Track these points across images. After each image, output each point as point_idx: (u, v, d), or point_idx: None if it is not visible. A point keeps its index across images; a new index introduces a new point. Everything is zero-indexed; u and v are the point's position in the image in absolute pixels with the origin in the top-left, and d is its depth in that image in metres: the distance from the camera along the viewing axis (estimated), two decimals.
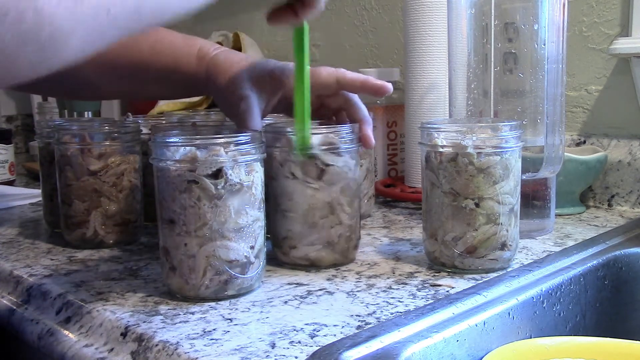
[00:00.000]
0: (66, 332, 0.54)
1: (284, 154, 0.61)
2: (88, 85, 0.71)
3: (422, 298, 0.54)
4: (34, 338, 0.56)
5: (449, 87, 0.78)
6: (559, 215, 0.81)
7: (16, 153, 1.40)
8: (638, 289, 0.67)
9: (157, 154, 0.55)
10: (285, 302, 0.54)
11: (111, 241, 0.73)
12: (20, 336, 0.59)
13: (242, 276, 0.55)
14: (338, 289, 0.57)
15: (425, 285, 0.58)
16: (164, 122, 0.86)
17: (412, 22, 0.92)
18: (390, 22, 1.19)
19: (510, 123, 0.60)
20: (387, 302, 0.54)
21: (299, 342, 0.46)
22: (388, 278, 0.60)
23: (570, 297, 0.60)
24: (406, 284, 0.58)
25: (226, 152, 0.53)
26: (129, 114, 0.88)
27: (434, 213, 0.61)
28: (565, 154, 0.75)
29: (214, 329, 0.49)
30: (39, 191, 0.92)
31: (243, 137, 0.54)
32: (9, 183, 1.21)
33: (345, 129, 0.62)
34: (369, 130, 0.65)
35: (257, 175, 0.56)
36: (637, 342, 0.52)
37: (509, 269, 0.61)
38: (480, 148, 0.58)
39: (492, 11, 0.70)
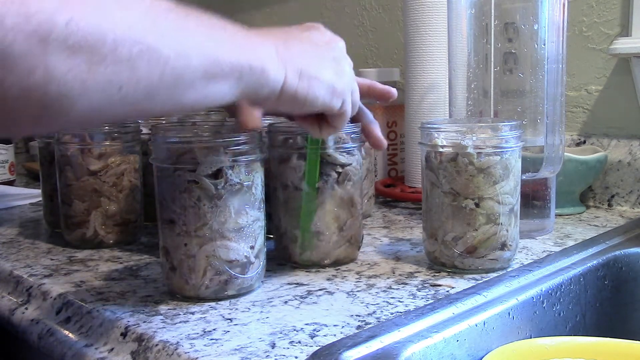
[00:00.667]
0: (66, 332, 0.54)
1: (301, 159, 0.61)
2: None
3: (422, 298, 0.54)
4: (34, 338, 0.56)
5: (449, 87, 0.78)
6: (559, 215, 0.81)
7: (16, 153, 1.40)
8: (638, 289, 0.67)
9: (157, 154, 0.55)
10: (285, 302, 0.54)
11: (111, 241, 0.73)
12: (20, 336, 0.59)
13: (242, 276, 0.55)
14: (338, 289, 0.57)
15: (425, 285, 0.58)
16: (164, 122, 0.86)
17: (412, 22, 0.92)
18: (390, 22, 1.19)
19: (510, 123, 0.60)
20: (387, 302, 0.54)
21: (299, 342, 0.46)
22: (388, 278, 0.60)
23: (570, 297, 0.60)
24: (406, 284, 0.58)
25: (226, 152, 0.53)
26: None
27: (434, 213, 0.61)
28: (565, 154, 0.75)
29: (214, 329, 0.49)
30: (39, 191, 0.92)
31: (243, 137, 0.54)
32: (9, 183, 1.21)
33: (355, 129, 0.63)
34: (379, 132, 0.65)
35: (257, 175, 0.56)
36: (637, 342, 0.52)
37: (509, 269, 0.61)
38: (480, 148, 0.58)
39: (492, 11, 0.70)
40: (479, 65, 0.72)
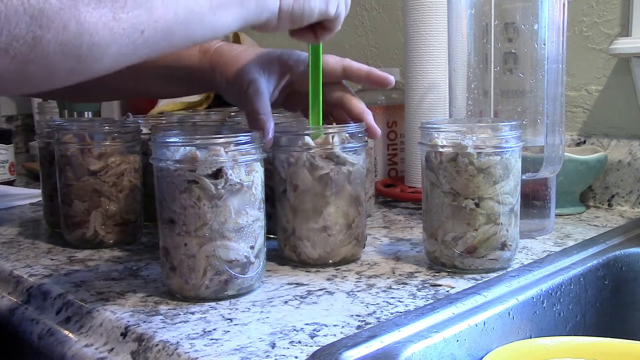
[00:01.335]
0: (66, 332, 0.54)
1: (310, 158, 0.61)
2: (92, 86, 0.71)
3: (422, 298, 0.54)
4: (34, 338, 0.56)
5: (449, 87, 0.78)
6: (559, 215, 0.81)
7: (16, 153, 1.40)
8: (638, 289, 0.67)
9: (157, 154, 0.55)
10: (286, 302, 0.54)
11: (111, 241, 0.73)
12: (20, 336, 0.59)
13: (242, 276, 0.55)
14: (338, 289, 0.57)
15: (425, 285, 0.58)
16: (164, 122, 0.86)
17: (412, 22, 0.92)
18: (390, 22, 1.19)
19: (510, 123, 0.60)
20: (387, 302, 0.54)
21: (299, 342, 0.46)
22: (388, 278, 0.60)
23: (570, 297, 0.60)
24: (406, 284, 0.58)
25: (226, 152, 0.53)
26: (129, 114, 0.88)
27: (434, 213, 0.61)
28: (565, 154, 0.75)
29: (214, 329, 0.49)
30: (39, 191, 0.92)
31: (243, 137, 0.54)
32: (9, 183, 1.21)
33: (359, 129, 0.63)
34: (372, 121, 0.67)
35: (257, 175, 0.56)
36: (637, 342, 0.52)
37: (509, 269, 0.61)
38: (480, 148, 0.58)
39: (492, 11, 0.70)
40: (479, 65, 0.72)
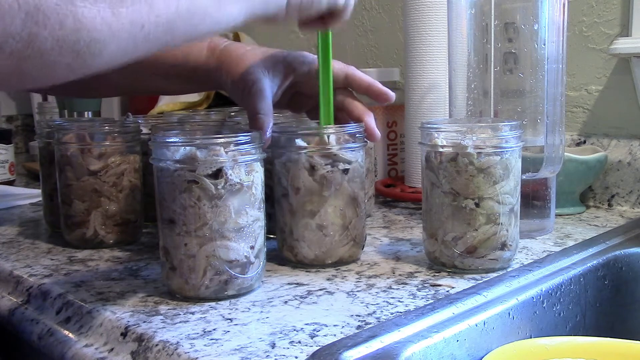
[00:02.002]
0: (66, 332, 0.54)
1: (308, 158, 0.61)
2: (96, 81, 0.71)
3: (422, 298, 0.54)
4: (34, 338, 0.56)
5: (449, 87, 0.78)
6: (559, 215, 0.81)
7: (16, 153, 1.40)
8: (638, 289, 0.67)
9: (157, 154, 0.55)
10: (285, 302, 0.54)
11: (111, 241, 0.73)
12: (20, 336, 0.59)
13: (242, 276, 0.55)
14: (338, 289, 0.57)
15: (425, 285, 0.58)
16: (164, 122, 0.86)
17: (412, 22, 0.92)
18: (390, 22, 1.19)
19: (510, 123, 0.60)
20: (387, 302, 0.54)
21: (299, 342, 0.46)
22: (388, 278, 0.60)
23: (570, 297, 0.60)
24: (406, 284, 0.58)
25: (226, 152, 0.53)
26: (129, 114, 0.88)
27: (434, 213, 0.61)
28: (565, 154, 0.75)
29: (214, 329, 0.49)
30: (39, 191, 0.92)
31: (243, 137, 0.54)
32: (9, 183, 1.21)
33: (359, 129, 0.63)
34: (373, 124, 0.66)
35: (257, 175, 0.56)
36: (637, 342, 0.52)
37: (509, 269, 0.61)
38: (480, 148, 0.58)
39: (492, 11, 0.70)
40: (479, 65, 0.72)
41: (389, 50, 1.19)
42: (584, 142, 0.90)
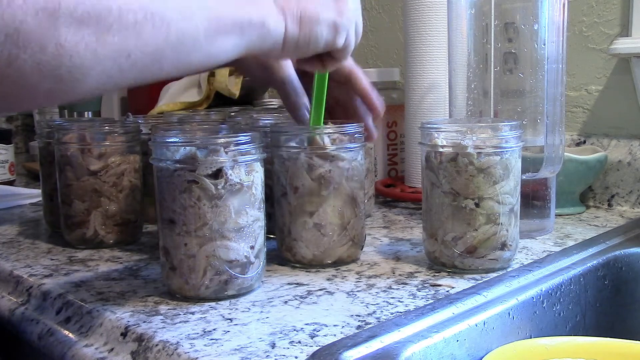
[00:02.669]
0: (66, 332, 0.54)
1: (307, 158, 0.61)
2: None
3: (422, 298, 0.54)
4: (34, 338, 0.56)
5: (449, 87, 0.78)
6: (559, 215, 0.81)
7: (16, 153, 1.40)
8: (638, 289, 0.67)
9: (157, 154, 0.55)
10: (285, 302, 0.54)
11: (111, 241, 0.73)
12: (20, 336, 0.59)
13: (242, 276, 0.55)
14: (338, 289, 0.57)
15: (425, 285, 0.58)
16: (164, 122, 0.86)
17: (412, 22, 0.92)
18: (390, 22, 1.19)
19: (510, 123, 0.60)
20: (387, 302, 0.54)
21: (299, 342, 0.46)
22: (388, 278, 0.60)
23: (570, 297, 0.60)
24: (406, 284, 0.58)
25: (226, 152, 0.53)
26: (129, 114, 0.88)
27: (434, 213, 0.61)
28: (565, 154, 0.75)
29: (214, 329, 0.49)
30: (39, 191, 0.92)
31: (243, 137, 0.54)
32: (9, 183, 1.21)
33: (358, 129, 0.63)
34: (371, 123, 0.66)
35: (257, 175, 0.56)
36: (637, 342, 0.52)
37: (509, 269, 0.61)
38: (480, 148, 0.58)
39: (492, 11, 0.70)
40: (479, 65, 0.72)
41: (389, 50, 1.19)
42: (584, 142, 0.90)
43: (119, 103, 1.40)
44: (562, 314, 0.59)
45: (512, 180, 0.59)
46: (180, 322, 0.50)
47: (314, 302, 0.54)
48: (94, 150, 0.71)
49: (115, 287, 0.59)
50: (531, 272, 0.60)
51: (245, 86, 1.19)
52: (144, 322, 0.50)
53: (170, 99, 1.19)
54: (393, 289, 0.57)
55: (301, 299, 0.55)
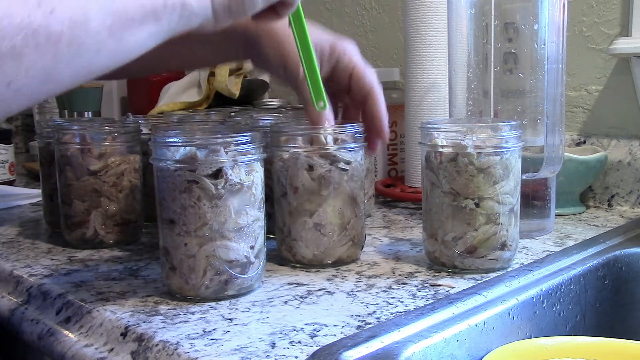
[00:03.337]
0: (66, 332, 0.54)
1: (307, 158, 0.61)
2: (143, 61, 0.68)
3: (422, 298, 0.54)
4: (34, 338, 0.56)
5: (449, 87, 0.78)
6: (559, 215, 0.81)
7: (16, 153, 1.40)
8: (638, 289, 0.67)
9: (157, 154, 0.55)
10: (285, 302, 0.54)
11: (111, 241, 0.73)
12: (20, 336, 0.59)
13: (242, 276, 0.55)
14: (338, 289, 0.57)
15: (425, 285, 0.58)
16: (164, 122, 0.86)
17: (412, 22, 0.92)
18: (390, 22, 1.19)
19: (510, 123, 0.60)
20: (387, 302, 0.54)
21: (299, 342, 0.46)
22: (388, 278, 0.60)
23: (570, 297, 0.60)
24: (406, 284, 0.58)
25: (226, 152, 0.53)
26: (129, 114, 0.88)
27: (434, 213, 0.61)
28: (565, 154, 0.75)
29: (214, 329, 0.49)
30: (39, 191, 0.92)
31: (243, 137, 0.54)
32: (9, 183, 1.21)
33: (358, 129, 0.63)
34: (375, 140, 0.66)
35: (257, 175, 0.56)
36: (637, 342, 0.52)
37: (509, 269, 0.61)
38: (480, 148, 0.58)
39: (492, 11, 0.70)
40: (479, 65, 0.72)
41: (389, 50, 1.19)
42: (584, 142, 0.90)
43: (119, 103, 1.40)
44: (562, 314, 0.59)
45: (512, 180, 0.59)
46: (180, 322, 0.50)
47: (314, 302, 0.54)
48: (94, 150, 0.71)
49: (115, 287, 0.59)
50: (531, 272, 0.60)
51: (245, 86, 1.19)
52: (144, 322, 0.50)
53: (170, 99, 1.19)
54: (393, 289, 0.57)
55: (301, 299, 0.55)
